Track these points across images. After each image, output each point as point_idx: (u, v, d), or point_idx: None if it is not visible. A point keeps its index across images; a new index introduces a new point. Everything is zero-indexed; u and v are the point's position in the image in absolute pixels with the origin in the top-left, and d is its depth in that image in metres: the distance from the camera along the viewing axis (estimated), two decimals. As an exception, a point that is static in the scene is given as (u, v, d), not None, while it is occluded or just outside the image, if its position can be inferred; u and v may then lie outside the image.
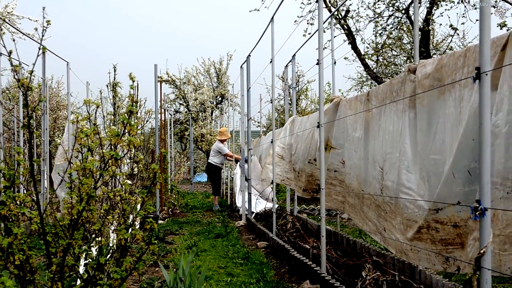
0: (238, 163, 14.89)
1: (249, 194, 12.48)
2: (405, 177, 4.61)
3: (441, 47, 17.67)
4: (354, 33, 14.58)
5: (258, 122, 27.03)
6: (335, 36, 12.26)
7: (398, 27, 14.52)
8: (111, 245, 4.88)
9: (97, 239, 3.72)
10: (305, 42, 10.24)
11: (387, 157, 5.00)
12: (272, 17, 9.05)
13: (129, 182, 7.53)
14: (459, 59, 3.88)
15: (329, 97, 7.26)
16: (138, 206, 4.01)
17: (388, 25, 14.39)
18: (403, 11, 13.78)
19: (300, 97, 27.98)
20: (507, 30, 10.23)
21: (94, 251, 3.72)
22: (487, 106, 2.95)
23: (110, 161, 3.42)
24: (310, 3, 14.61)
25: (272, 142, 10.15)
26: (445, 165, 3.97)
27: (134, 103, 3.65)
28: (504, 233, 3.35)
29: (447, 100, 4.04)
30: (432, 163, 4.23)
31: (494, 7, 11.48)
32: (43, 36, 3.58)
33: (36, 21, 16.25)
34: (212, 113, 30.49)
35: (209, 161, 16.25)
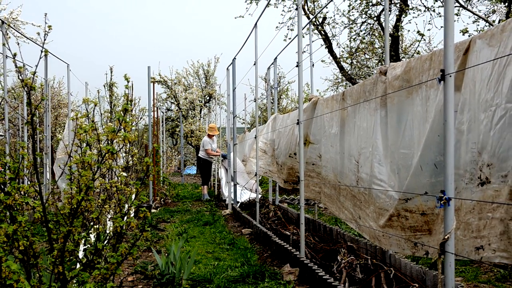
0: (225, 156, 14.86)
1: (235, 185, 12.48)
2: (377, 169, 4.63)
3: (409, 51, 17.77)
4: (330, 38, 14.61)
5: (243, 119, 26.95)
6: (313, 41, 12.29)
7: (371, 33, 14.55)
8: (108, 232, 4.86)
9: (95, 226, 3.70)
10: (286, 46, 10.24)
11: (362, 152, 5.02)
12: (256, 23, 9.03)
13: (124, 174, 7.49)
14: (425, 62, 3.90)
15: (308, 97, 7.27)
16: (133, 196, 3.99)
17: (361, 31, 14.43)
18: (375, 18, 13.82)
19: (281, 97, 28.02)
20: (469, 36, 10.29)
21: (92, 237, 3.71)
22: (451, 105, 2.97)
23: (107, 155, 3.40)
24: (290, 10, 14.64)
25: (255, 137, 10.16)
26: (413, 159, 3.99)
27: (129, 102, 3.63)
28: (464, 220, 3.38)
29: (415, 100, 4.06)
30: (401, 157, 4.26)
31: (457, 15, 11.54)
32: (45, 40, 3.55)
33: (39, 26, 16.14)
34: (200, 111, 30.48)
35: (198, 155, 16.24)
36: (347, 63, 15.85)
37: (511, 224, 2.99)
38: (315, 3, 14.40)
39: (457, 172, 3.40)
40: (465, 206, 3.38)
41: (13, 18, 16.02)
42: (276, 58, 10.71)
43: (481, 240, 3.19)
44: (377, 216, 4.64)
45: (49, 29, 3.63)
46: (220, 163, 15.76)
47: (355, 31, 14.41)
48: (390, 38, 12.33)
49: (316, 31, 14.40)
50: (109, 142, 3.48)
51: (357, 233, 7.02)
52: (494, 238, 3.10)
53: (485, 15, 11.36)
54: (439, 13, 12.62)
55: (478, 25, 11.74)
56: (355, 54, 15.31)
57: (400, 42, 15.80)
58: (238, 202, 12.65)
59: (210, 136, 15.86)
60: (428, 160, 3.79)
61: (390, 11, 12.94)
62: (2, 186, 3.19)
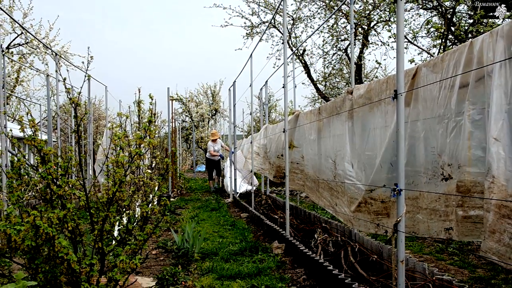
0: (229, 156, 14.81)
1: (235, 179, 12.46)
2: (347, 168, 4.64)
3: (370, 75, 17.82)
4: (309, 66, 14.63)
5: (241, 128, 27.03)
6: (295, 68, 12.35)
7: (340, 62, 14.58)
8: (136, 216, 4.85)
9: (126, 212, 3.68)
10: (274, 72, 10.31)
11: (337, 153, 5.02)
12: (251, 54, 9.04)
13: (149, 171, 7.46)
14: (383, 84, 3.91)
15: (292, 111, 7.27)
16: (156, 188, 3.98)
17: (333, 60, 14.46)
18: (343, 51, 13.84)
19: (271, 111, 28.06)
20: (415, 64, 10.33)
21: (124, 220, 3.69)
22: (402, 117, 2.98)
23: (135, 156, 3.39)
24: (278, 44, 14.66)
25: (251, 143, 10.17)
26: (376, 159, 4.00)
27: (152, 115, 3.63)
28: (430, 207, 3.39)
29: (376, 113, 4.07)
30: (367, 157, 4.26)
31: (406, 48, 11.57)
32: (88, 67, 3.54)
33: (84, 57, 16.20)
34: (208, 122, 30.43)
35: (206, 156, 16.16)
36: (322, 85, 15.87)
37: (468, 210, 2.99)
38: (297, 38, 14.42)
39: (419, 170, 3.44)
40: (430, 196, 3.38)
41: (64, 51, 16.08)
42: (267, 81, 10.76)
43: (449, 223, 3.19)
44: (349, 204, 4.64)
45: (91, 59, 3.64)
46: (226, 161, 15.66)
47: (328, 60, 14.44)
48: (355, 65, 12.36)
49: (298, 60, 14.43)
50: (137, 146, 3.47)
51: (330, 216, 7.02)
52: (457, 222, 3.10)
53: (428, 48, 11.37)
54: (392, 47, 12.66)
55: (422, 56, 11.78)
56: (328, 78, 15.33)
57: (363, 69, 15.82)
58: (237, 192, 12.63)
59: (213, 141, 15.59)
60: (386, 160, 3.80)
61: (354, 45, 12.99)
62: (55, 180, 3.18)
